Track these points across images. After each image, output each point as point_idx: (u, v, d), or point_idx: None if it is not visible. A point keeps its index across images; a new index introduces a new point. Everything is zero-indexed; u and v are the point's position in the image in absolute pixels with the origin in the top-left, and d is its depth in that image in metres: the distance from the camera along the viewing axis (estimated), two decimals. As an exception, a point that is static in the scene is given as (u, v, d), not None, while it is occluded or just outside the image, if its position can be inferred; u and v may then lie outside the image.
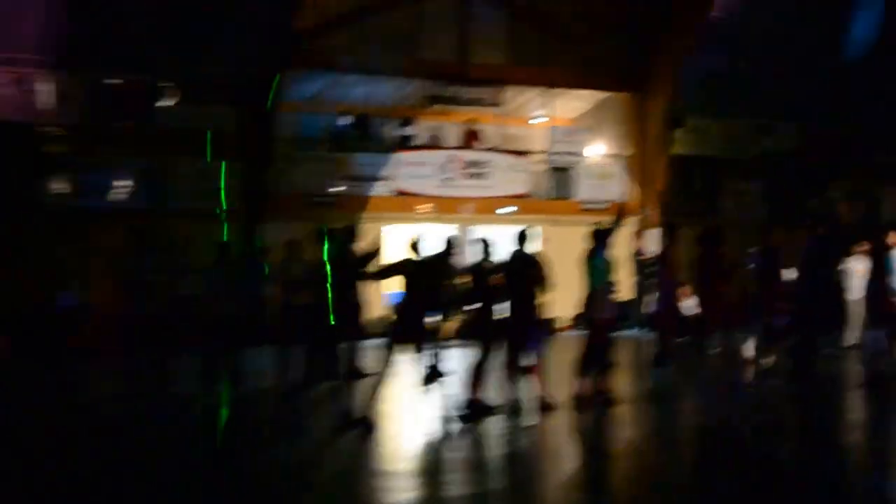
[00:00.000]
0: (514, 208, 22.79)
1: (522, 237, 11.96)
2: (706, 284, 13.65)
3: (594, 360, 12.19)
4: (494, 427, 11.00)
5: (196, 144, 20.13)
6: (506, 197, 23.14)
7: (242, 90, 20.39)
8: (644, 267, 17.13)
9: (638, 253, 19.42)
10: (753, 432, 10.68)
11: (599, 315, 12.07)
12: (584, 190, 24.22)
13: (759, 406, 12.22)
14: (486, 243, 12.01)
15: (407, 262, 11.24)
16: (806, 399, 12.74)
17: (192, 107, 20.27)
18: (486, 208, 22.78)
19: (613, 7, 23.89)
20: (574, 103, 25.87)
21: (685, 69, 23.65)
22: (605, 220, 12.85)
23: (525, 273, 11.84)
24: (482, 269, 11.88)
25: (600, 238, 12.13)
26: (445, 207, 22.39)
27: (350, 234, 12.74)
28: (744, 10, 22.99)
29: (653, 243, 19.24)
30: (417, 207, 22.07)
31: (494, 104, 23.71)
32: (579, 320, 12.66)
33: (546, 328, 13.08)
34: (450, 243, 11.80)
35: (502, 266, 11.97)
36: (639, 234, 21.37)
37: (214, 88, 20.27)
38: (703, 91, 24.16)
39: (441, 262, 11.59)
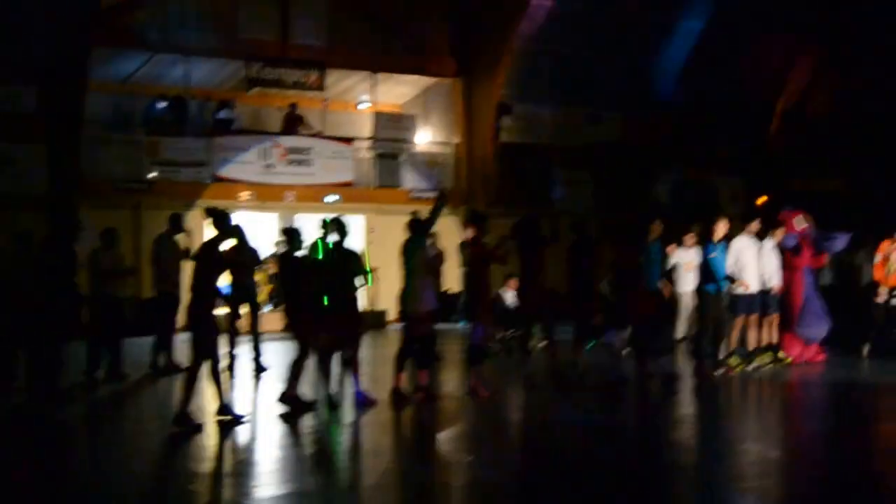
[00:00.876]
0: (338, 197, 21.98)
1: (339, 227, 11.27)
2: (525, 275, 13.17)
3: (412, 355, 11.62)
4: (311, 423, 10.42)
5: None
6: (330, 185, 22.30)
7: (45, 69, 18.98)
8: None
9: (466, 243, 18.81)
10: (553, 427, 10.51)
11: (417, 308, 11.41)
12: (412, 178, 23.57)
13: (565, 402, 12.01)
14: (293, 233, 11.25)
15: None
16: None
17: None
18: (310, 196, 21.89)
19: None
20: (401, 89, 25.26)
21: (514, 56, 23.27)
22: (425, 209, 12.21)
23: (340, 265, 11.18)
24: (291, 261, 11.24)
25: (418, 228, 11.54)
26: (267, 195, 21.45)
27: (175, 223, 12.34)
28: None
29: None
30: (238, 195, 21.08)
31: (318, 88, 22.77)
32: (399, 314, 11.95)
33: (362, 322, 12.30)
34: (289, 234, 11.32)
35: (314, 257, 11.48)
36: (468, 223, 20.77)
37: (14, 67, 18.80)
38: (532, 79, 23.85)
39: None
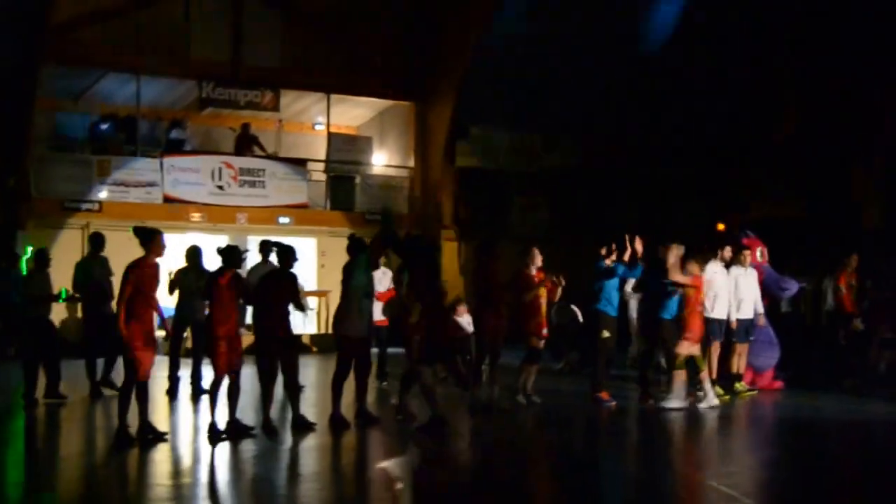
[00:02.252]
0: (290, 219, 21.76)
1: (278, 250, 11.14)
2: (480, 299, 12.86)
3: (345, 379, 11.37)
4: (247, 448, 10.19)
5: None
6: (283, 206, 22.05)
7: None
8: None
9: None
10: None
11: (350, 332, 11.23)
12: (367, 201, 23.33)
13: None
14: (232, 251, 10.98)
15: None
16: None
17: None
18: (262, 218, 21.63)
19: (391, 14, 23.44)
20: (357, 111, 25.07)
21: (469, 80, 23.13)
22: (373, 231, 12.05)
23: (275, 288, 10.95)
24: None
25: (360, 249, 11.41)
26: (219, 216, 21.17)
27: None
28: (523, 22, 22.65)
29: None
30: (189, 215, 20.81)
31: (272, 109, 22.57)
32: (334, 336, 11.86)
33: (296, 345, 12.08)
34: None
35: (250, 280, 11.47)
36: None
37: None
38: (489, 103, 23.69)
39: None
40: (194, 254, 14.06)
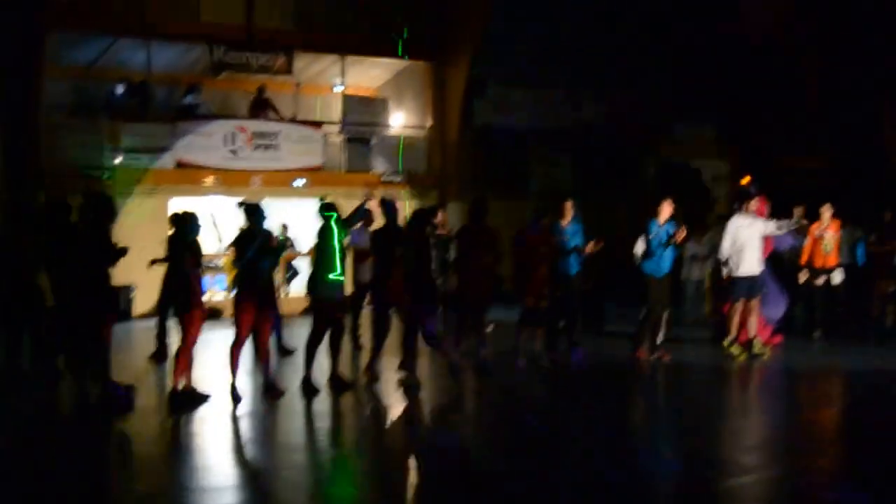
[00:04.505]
0: (305, 181, 21.80)
1: (252, 211, 11.06)
2: (466, 259, 12.72)
3: (319, 343, 11.42)
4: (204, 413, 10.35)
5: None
6: (297, 170, 22.08)
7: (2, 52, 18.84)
8: (442, 243, 16.29)
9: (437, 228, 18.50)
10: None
11: (323, 296, 11.31)
12: (384, 162, 23.34)
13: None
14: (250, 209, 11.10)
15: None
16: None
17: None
18: (277, 181, 21.70)
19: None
20: (373, 72, 25.00)
21: (487, 37, 22.96)
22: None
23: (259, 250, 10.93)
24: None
25: (330, 213, 11.43)
26: (233, 180, 21.23)
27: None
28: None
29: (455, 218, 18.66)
30: (202, 180, 20.93)
31: (285, 72, 22.56)
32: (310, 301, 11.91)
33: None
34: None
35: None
36: (439, 208, 20.49)
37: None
38: (507, 60, 23.49)
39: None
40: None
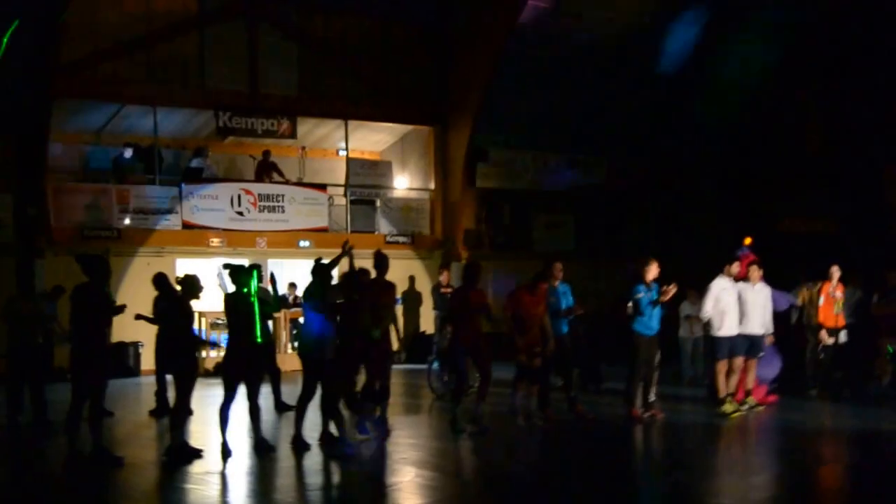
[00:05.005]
0: (309, 242, 22.17)
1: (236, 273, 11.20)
2: (459, 321, 12.77)
3: (310, 401, 11.55)
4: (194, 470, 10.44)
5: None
6: (303, 230, 22.50)
7: (10, 119, 19.33)
8: (444, 301, 16.56)
9: (439, 287, 18.77)
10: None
11: (313, 354, 11.41)
12: (388, 223, 23.77)
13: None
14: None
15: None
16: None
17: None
18: (282, 242, 22.12)
19: (407, 39, 23.99)
20: (378, 136, 25.56)
21: (488, 102, 23.39)
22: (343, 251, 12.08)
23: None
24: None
25: (322, 272, 11.52)
26: (238, 241, 21.68)
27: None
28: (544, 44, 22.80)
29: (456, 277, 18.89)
30: (209, 240, 21.33)
31: (290, 136, 23.03)
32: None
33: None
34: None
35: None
36: (442, 267, 20.81)
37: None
38: (508, 125, 23.89)
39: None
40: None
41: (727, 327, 13.83)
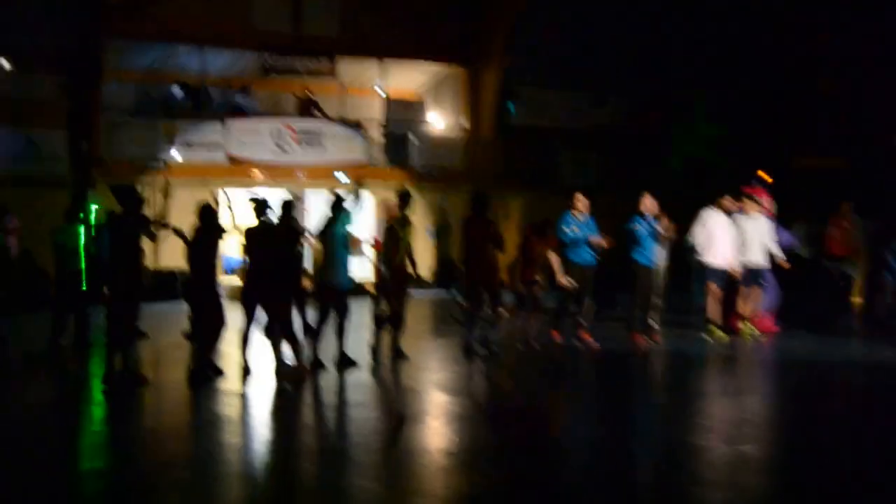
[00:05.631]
0: (344, 175, 23.47)
1: (256, 206, 11.88)
2: (471, 250, 13.16)
3: (324, 325, 12.23)
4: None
5: (19, 113, 20.67)
6: (341, 164, 23.83)
7: (65, 59, 20.83)
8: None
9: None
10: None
11: (332, 281, 12.12)
12: (421, 158, 25.11)
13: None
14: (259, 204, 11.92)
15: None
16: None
17: (16, 76, 20.89)
18: (321, 175, 23.44)
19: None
20: (414, 76, 26.77)
21: (518, 44, 24.47)
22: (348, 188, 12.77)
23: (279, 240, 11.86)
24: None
25: (339, 206, 12.15)
26: (279, 174, 23.05)
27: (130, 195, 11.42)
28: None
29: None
30: (251, 173, 22.71)
31: (330, 75, 24.36)
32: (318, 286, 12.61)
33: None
34: (286, 206, 11.97)
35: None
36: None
37: (36, 58, 20.75)
38: (536, 65, 24.96)
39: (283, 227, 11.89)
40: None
41: (719, 256, 14.55)
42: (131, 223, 10.95)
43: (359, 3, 24.38)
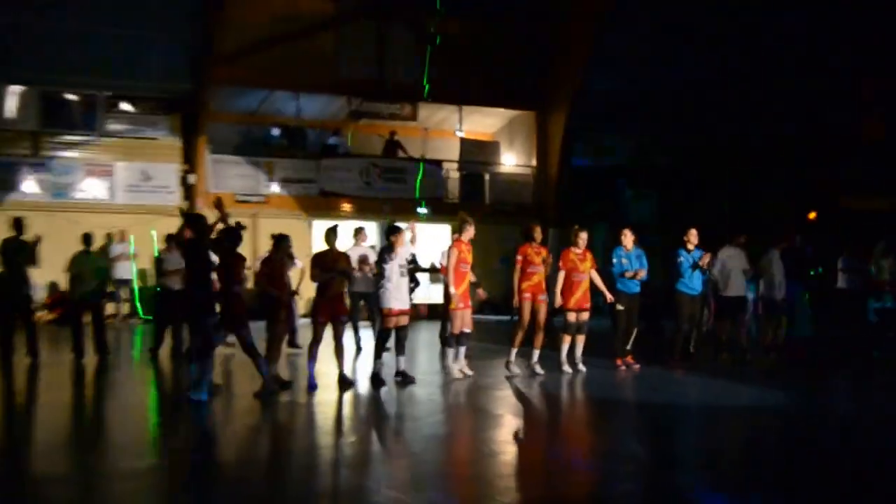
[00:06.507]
0: (426, 209, 25.82)
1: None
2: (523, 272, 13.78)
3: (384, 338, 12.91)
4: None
5: (137, 150, 23.75)
6: (420, 199, 26.29)
7: (178, 103, 23.83)
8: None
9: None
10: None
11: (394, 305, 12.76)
12: (493, 194, 27.62)
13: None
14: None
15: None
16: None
17: (133, 117, 23.92)
18: (403, 208, 25.59)
19: (514, 36, 27.46)
20: (490, 120, 29.39)
21: (583, 91, 26.69)
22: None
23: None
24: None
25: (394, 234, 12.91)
26: (366, 207, 25.58)
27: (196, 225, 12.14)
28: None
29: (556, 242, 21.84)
30: (341, 205, 25.21)
31: (411, 119, 27.04)
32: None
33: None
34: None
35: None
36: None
37: (152, 102, 23.80)
38: (600, 109, 27.03)
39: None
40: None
41: (731, 289, 15.72)
42: (200, 248, 11.69)
43: (438, 55, 26.37)
